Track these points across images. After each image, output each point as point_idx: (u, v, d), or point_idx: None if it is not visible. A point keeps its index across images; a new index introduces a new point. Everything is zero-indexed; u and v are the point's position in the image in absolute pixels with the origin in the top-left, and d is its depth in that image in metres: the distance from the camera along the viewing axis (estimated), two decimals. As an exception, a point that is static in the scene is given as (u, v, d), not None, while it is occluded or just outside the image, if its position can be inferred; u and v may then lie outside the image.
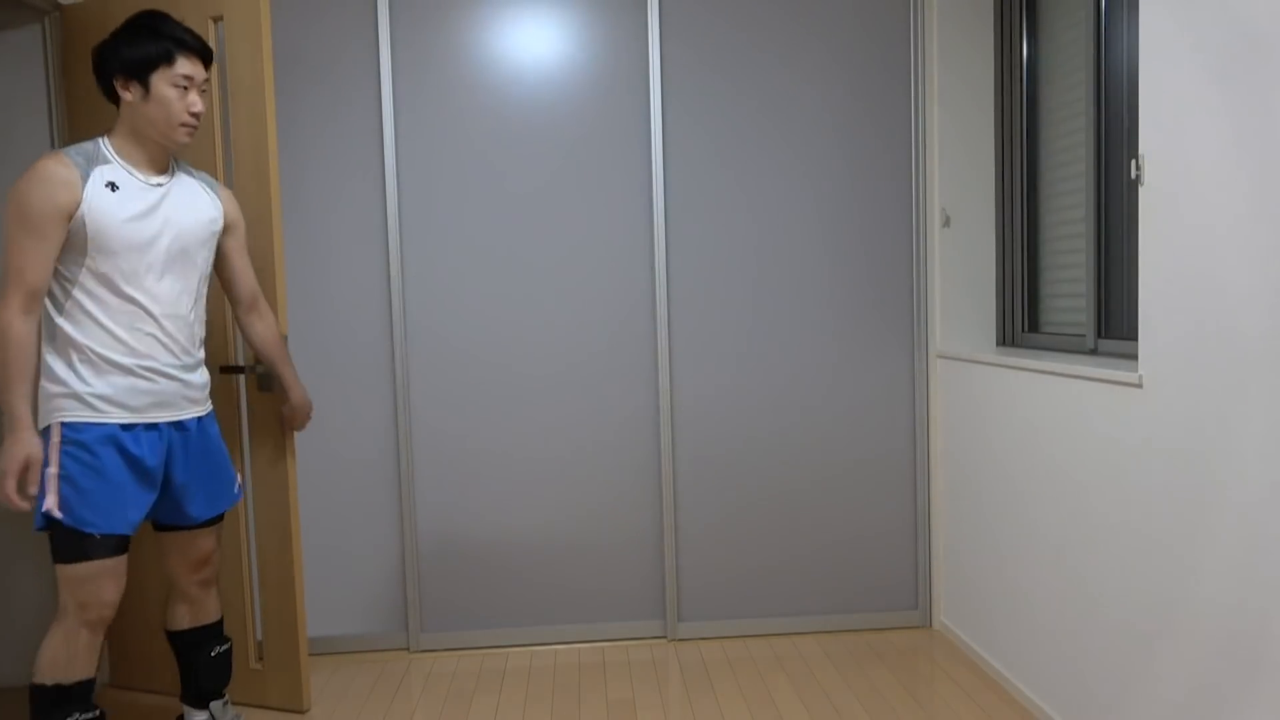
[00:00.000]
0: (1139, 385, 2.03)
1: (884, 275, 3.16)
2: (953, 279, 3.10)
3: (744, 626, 3.19)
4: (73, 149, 2.03)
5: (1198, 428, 1.85)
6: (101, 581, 2.02)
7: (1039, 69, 2.90)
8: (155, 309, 2.08)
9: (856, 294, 3.16)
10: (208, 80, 2.14)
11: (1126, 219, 2.47)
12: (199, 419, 2.22)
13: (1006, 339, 3.10)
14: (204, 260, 2.20)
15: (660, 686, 2.80)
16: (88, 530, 1.99)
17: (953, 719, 2.54)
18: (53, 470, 1.98)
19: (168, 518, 2.24)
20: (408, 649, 3.13)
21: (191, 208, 2.16)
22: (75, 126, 2.68)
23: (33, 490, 1.97)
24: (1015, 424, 2.61)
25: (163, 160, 2.15)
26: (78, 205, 1.98)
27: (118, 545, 2.04)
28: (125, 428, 2.06)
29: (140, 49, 2.03)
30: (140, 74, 2.04)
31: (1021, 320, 3.03)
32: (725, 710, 2.62)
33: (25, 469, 1.95)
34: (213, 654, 2.36)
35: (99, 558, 2.01)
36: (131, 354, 2.06)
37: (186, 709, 2.38)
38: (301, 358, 3.05)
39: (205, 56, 2.11)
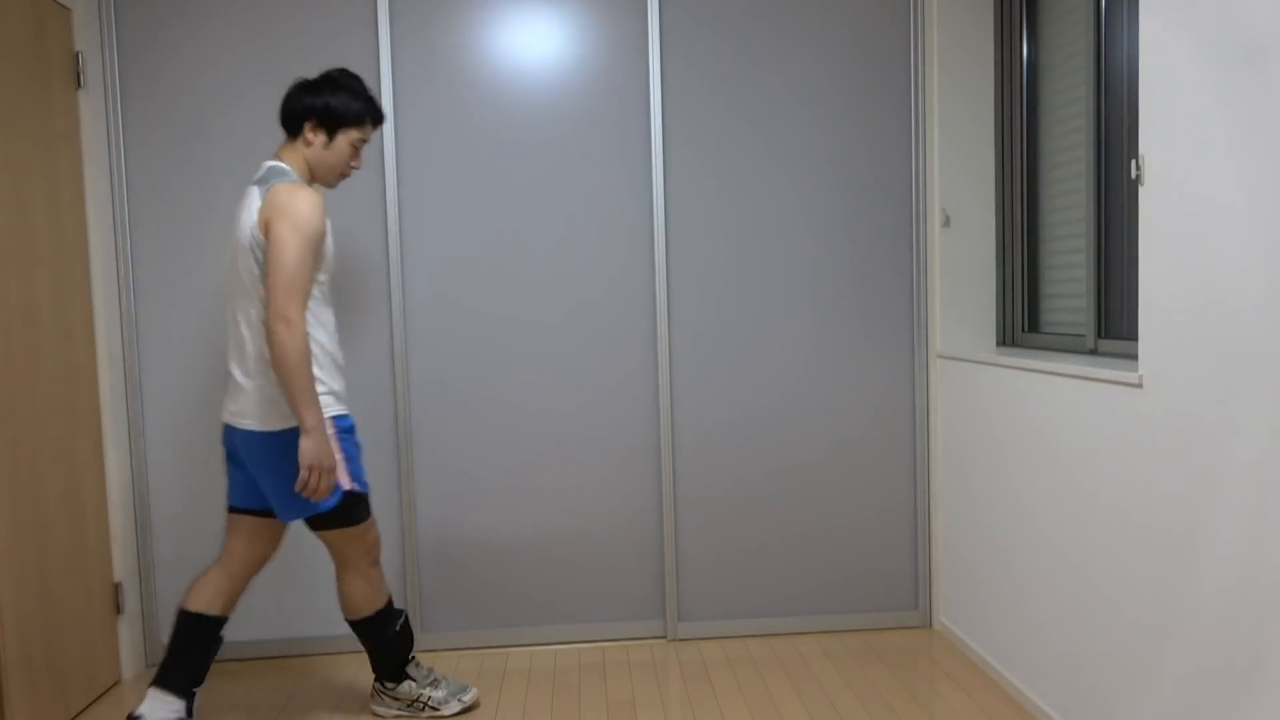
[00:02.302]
0: (1139, 385, 2.03)
1: (884, 275, 3.16)
2: (953, 279, 3.10)
3: (744, 626, 3.19)
4: (293, 175, 2.30)
5: (1198, 428, 1.85)
6: (373, 528, 2.49)
7: (1039, 69, 2.90)
8: (333, 315, 2.40)
9: (856, 294, 3.16)
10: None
11: (1126, 219, 2.47)
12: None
13: (1006, 339, 3.10)
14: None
15: (660, 686, 2.80)
16: (367, 492, 2.43)
17: (953, 719, 2.54)
18: (339, 456, 2.31)
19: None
20: (408, 649, 3.14)
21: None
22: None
23: (345, 485, 2.34)
24: (1015, 424, 2.61)
25: None
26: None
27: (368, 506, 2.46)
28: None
29: (342, 106, 2.32)
30: (331, 126, 2.32)
31: (1021, 320, 3.03)
32: (725, 710, 2.62)
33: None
34: (399, 627, 2.59)
35: (370, 512, 2.47)
36: (339, 353, 2.40)
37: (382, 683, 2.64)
38: (301, 358, 3.05)
39: (381, 124, 2.43)
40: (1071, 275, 2.74)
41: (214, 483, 3.06)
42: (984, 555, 2.84)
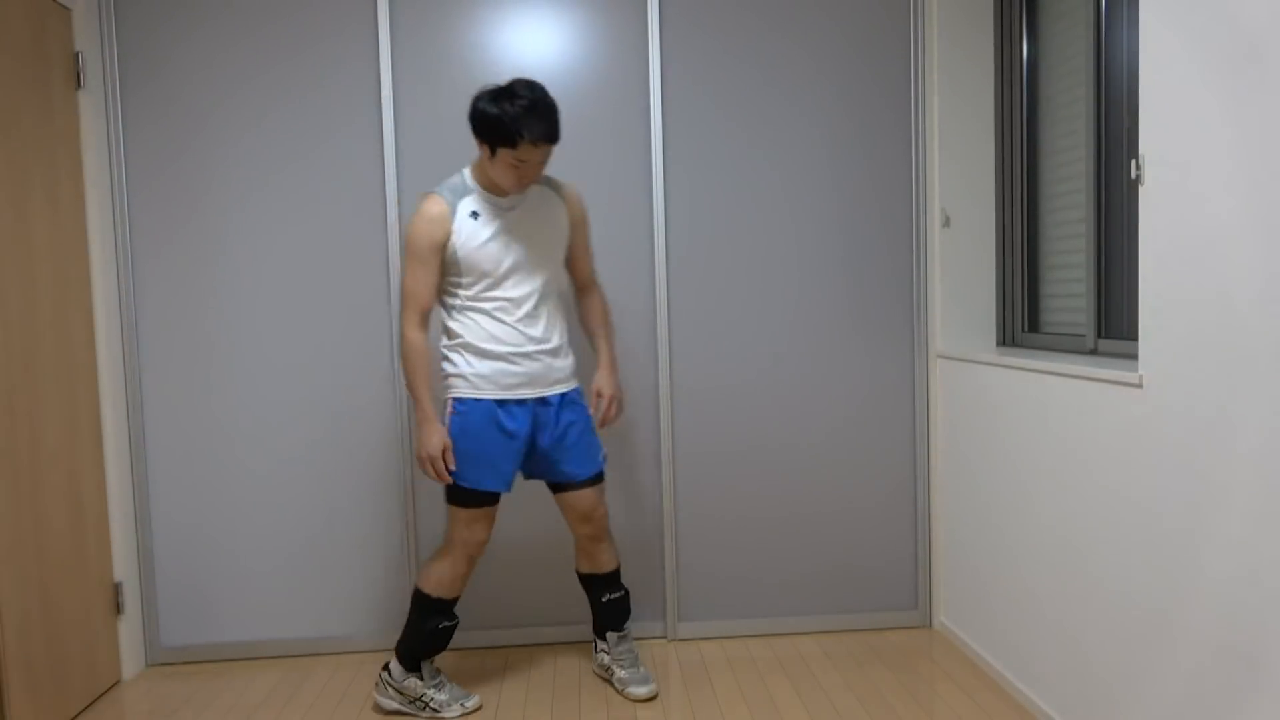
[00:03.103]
0: (1139, 385, 2.03)
1: (884, 275, 3.16)
2: (953, 279, 3.10)
3: (744, 626, 3.19)
4: (444, 186, 2.49)
5: (1198, 428, 1.85)
6: (475, 524, 2.55)
7: (1039, 69, 2.90)
8: (513, 309, 2.51)
9: (856, 294, 3.16)
10: (550, 149, 2.44)
11: (1126, 219, 2.47)
12: (562, 395, 2.59)
13: (1006, 339, 3.10)
14: (552, 260, 2.57)
15: (660, 686, 2.80)
16: (463, 484, 2.50)
17: (953, 719, 2.54)
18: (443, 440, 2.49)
19: (552, 478, 2.64)
20: (408, 649, 3.14)
21: (538, 221, 2.55)
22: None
23: (452, 467, 2.47)
24: (1015, 424, 2.61)
25: None
26: (449, 236, 2.46)
27: (487, 497, 2.53)
28: (499, 403, 2.51)
29: (492, 122, 2.36)
30: (489, 143, 2.39)
31: (1021, 320, 3.03)
32: (725, 710, 2.62)
33: (444, 450, 2.46)
34: (604, 599, 2.75)
35: (473, 506, 2.52)
36: (500, 344, 2.50)
37: (595, 638, 2.86)
38: (302, 356, 3.06)
39: (550, 141, 2.41)
40: (1071, 275, 2.74)
41: (214, 483, 3.07)
42: (984, 555, 2.84)
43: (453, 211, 2.46)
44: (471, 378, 2.50)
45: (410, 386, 2.49)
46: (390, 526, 3.11)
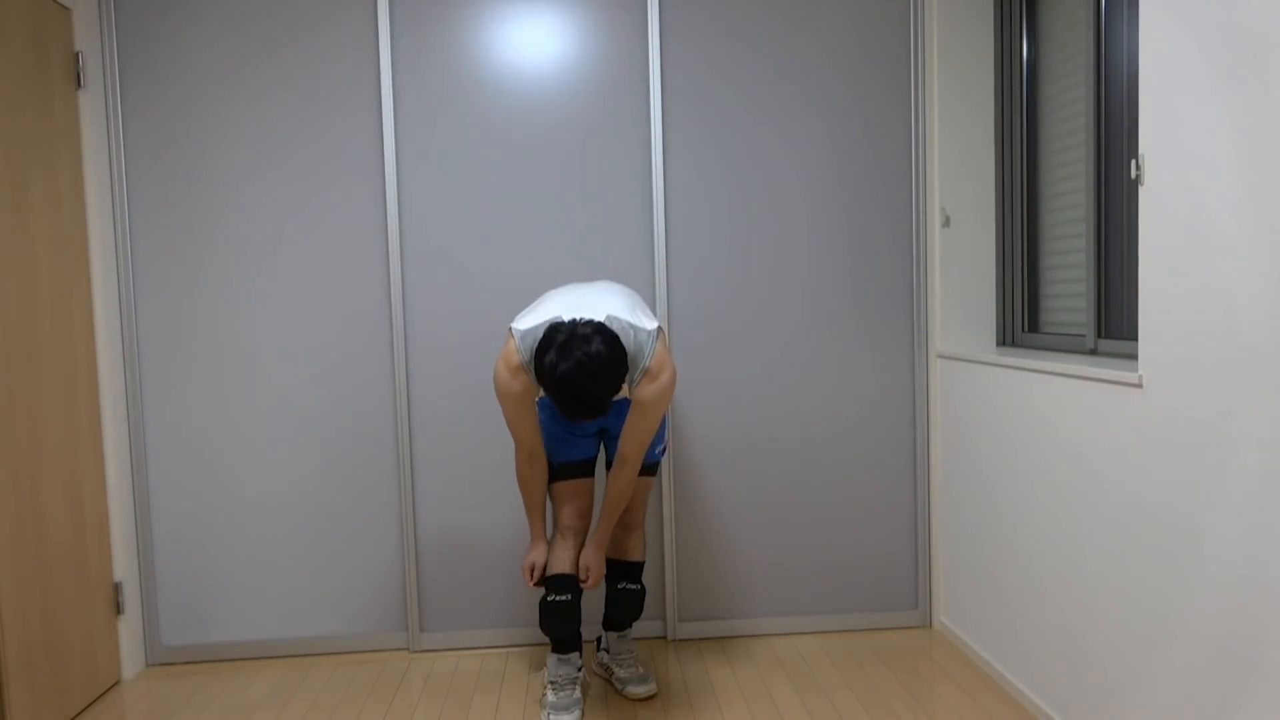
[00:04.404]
0: (1139, 385, 2.03)
1: (884, 275, 3.16)
2: (953, 279, 3.10)
3: (744, 626, 3.19)
4: (522, 337, 2.39)
5: (1198, 427, 1.85)
6: (560, 500, 2.66)
7: (1039, 69, 2.89)
8: None
9: (856, 294, 3.16)
10: None
11: (1126, 219, 2.47)
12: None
13: (1006, 339, 3.10)
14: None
15: (660, 686, 2.80)
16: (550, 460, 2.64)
17: (953, 719, 2.54)
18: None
19: (609, 455, 2.69)
20: (408, 649, 3.14)
21: None
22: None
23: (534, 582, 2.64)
24: (1015, 424, 2.61)
25: None
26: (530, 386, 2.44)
27: (564, 471, 2.64)
28: None
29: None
30: None
31: (1021, 320, 3.03)
32: (725, 710, 2.62)
33: (534, 566, 2.63)
34: (620, 587, 2.76)
35: (556, 479, 2.65)
36: None
37: (600, 635, 2.92)
38: (303, 358, 3.06)
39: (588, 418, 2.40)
40: (1071, 275, 2.74)
41: (214, 483, 3.07)
42: (984, 555, 2.84)
43: (533, 382, 2.42)
44: None
45: (526, 511, 2.68)
46: (390, 527, 3.11)
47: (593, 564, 2.63)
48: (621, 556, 2.77)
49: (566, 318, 2.35)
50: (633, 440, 2.49)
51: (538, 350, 2.31)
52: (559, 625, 2.60)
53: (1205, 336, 1.82)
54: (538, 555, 2.65)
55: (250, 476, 3.07)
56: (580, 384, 2.21)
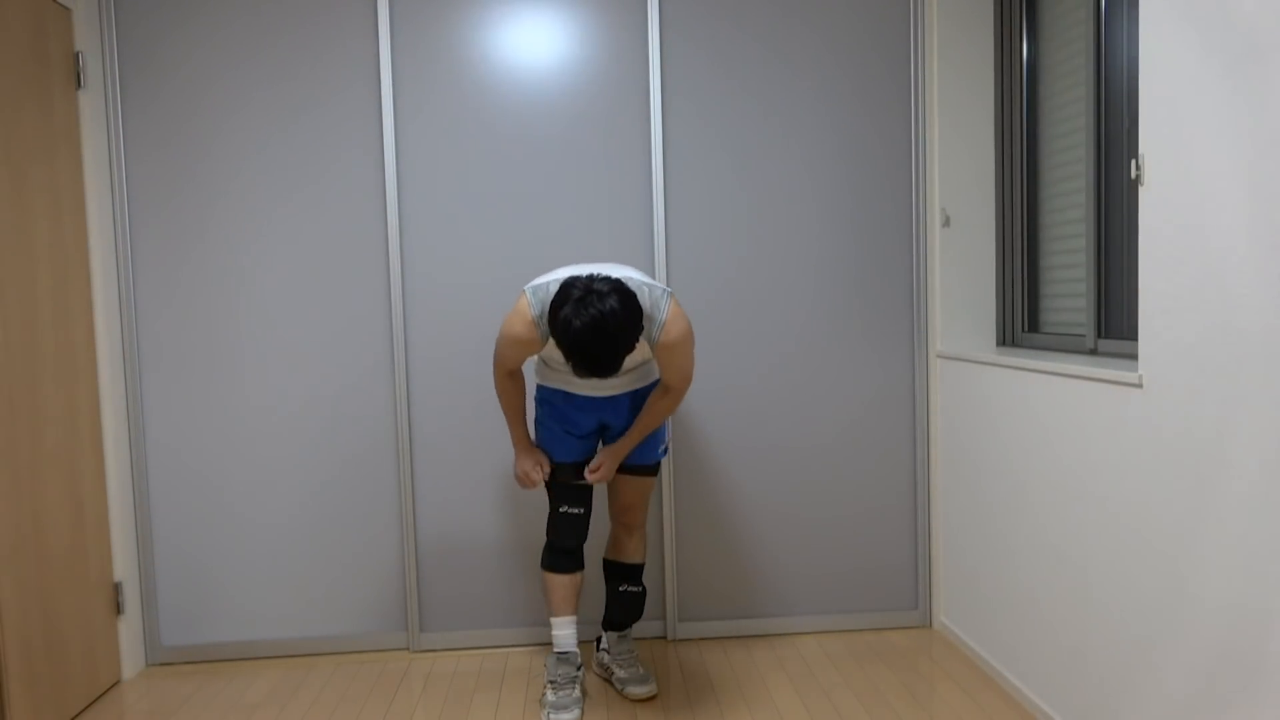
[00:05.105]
0: (1139, 385, 2.03)
1: (884, 275, 3.16)
2: (953, 279, 3.10)
3: (744, 626, 3.19)
4: (537, 298, 2.35)
5: (1198, 428, 1.85)
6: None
7: (1039, 69, 2.90)
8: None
9: (856, 294, 3.16)
10: None
11: (1126, 219, 2.47)
12: (633, 391, 2.64)
13: (1006, 339, 3.10)
14: (631, 374, 2.62)
15: (660, 686, 2.80)
16: (554, 460, 2.65)
17: (953, 719, 2.54)
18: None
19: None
20: (408, 649, 3.14)
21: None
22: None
23: (535, 477, 2.62)
24: (1015, 424, 2.61)
25: None
26: (537, 348, 2.45)
27: (563, 471, 2.64)
28: (566, 395, 2.62)
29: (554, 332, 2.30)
30: None
31: (1021, 320, 3.03)
32: (725, 710, 2.62)
33: (536, 464, 2.62)
34: (620, 590, 2.77)
35: (553, 478, 2.66)
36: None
37: (600, 635, 2.91)
38: (302, 357, 3.06)
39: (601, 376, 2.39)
40: (1071, 275, 2.74)
41: (214, 483, 3.07)
42: (984, 555, 2.84)
43: (543, 336, 2.40)
44: (543, 370, 2.65)
45: (507, 420, 2.67)
46: (390, 527, 3.11)
47: (606, 462, 2.61)
48: (622, 559, 2.78)
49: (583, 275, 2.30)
50: (674, 373, 2.47)
51: (552, 305, 2.23)
52: (568, 535, 2.63)
53: (1205, 336, 1.82)
54: (534, 457, 2.61)
55: (250, 477, 3.07)
56: (596, 340, 2.15)
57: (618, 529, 2.79)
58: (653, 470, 2.73)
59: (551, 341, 2.40)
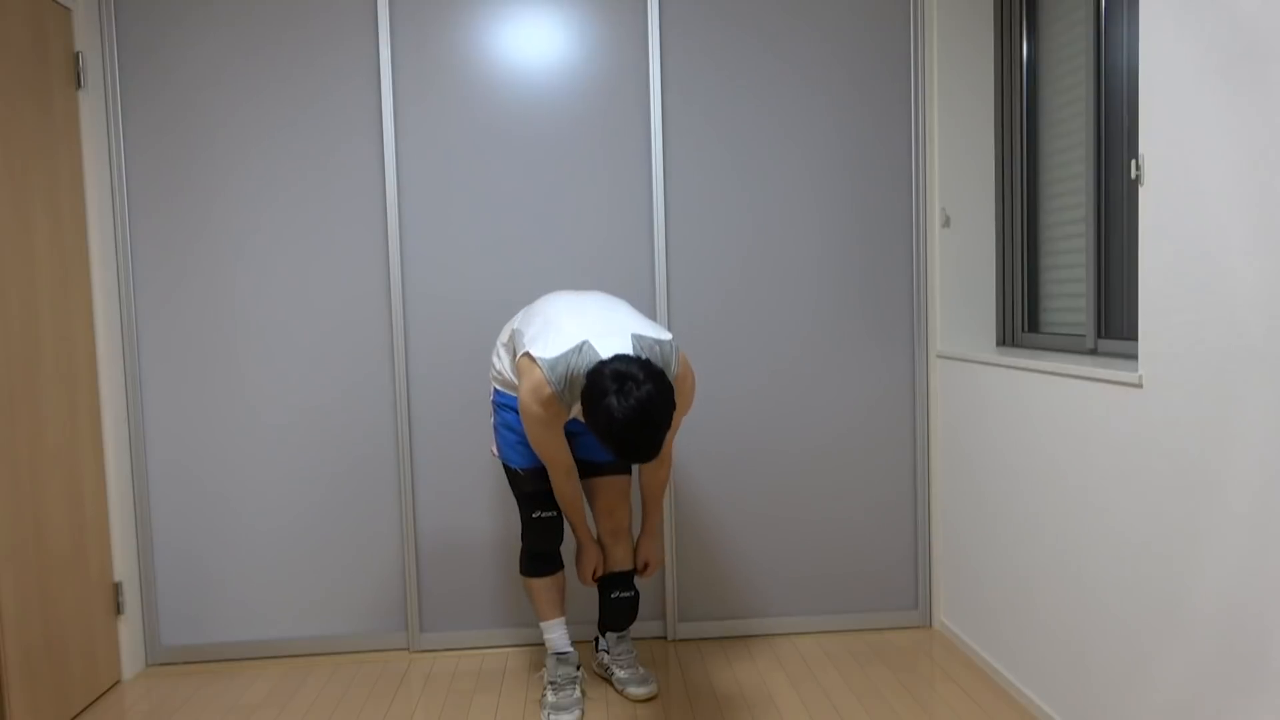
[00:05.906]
0: (1139, 385, 2.03)
1: (884, 275, 3.16)
2: (953, 279, 3.10)
3: (744, 626, 3.19)
4: (553, 371, 2.31)
5: (1198, 428, 1.85)
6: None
7: (1039, 69, 2.90)
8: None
9: (856, 294, 3.16)
10: None
11: (1126, 219, 2.47)
12: None
13: (1006, 339, 3.10)
14: None
15: (660, 686, 2.80)
16: (513, 466, 2.61)
17: (953, 719, 2.54)
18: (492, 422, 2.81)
19: (583, 467, 2.71)
20: (408, 649, 3.14)
21: None
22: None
23: (589, 580, 2.72)
24: (1015, 424, 2.61)
25: None
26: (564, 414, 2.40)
27: (528, 478, 2.61)
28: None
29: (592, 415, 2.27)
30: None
31: (1021, 320, 3.03)
32: (725, 710, 2.62)
33: (596, 564, 2.70)
34: (613, 596, 2.76)
35: (526, 492, 2.62)
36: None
37: (597, 636, 2.92)
38: (301, 358, 3.06)
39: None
40: (1071, 275, 2.74)
41: (214, 483, 3.07)
42: (984, 555, 2.84)
43: (566, 407, 2.37)
44: (502, 377, 2.60)
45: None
46: (390, 527, 3.11)
47: (652, 555, 2.74)
48: (611, 567, 2.75)
49: (594, 342, 2.30)
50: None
51: (587, 394, 2.22)
52: (546, 539, 2.64)
53: (1205, 336, 1.82)
54: (593, 556, 2.70)
55: (250, 476, 3.07)
56: (642, 431, 2.17)
57: (604, 537, 2.75)
58: (626, 468, 2.72)
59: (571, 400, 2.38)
